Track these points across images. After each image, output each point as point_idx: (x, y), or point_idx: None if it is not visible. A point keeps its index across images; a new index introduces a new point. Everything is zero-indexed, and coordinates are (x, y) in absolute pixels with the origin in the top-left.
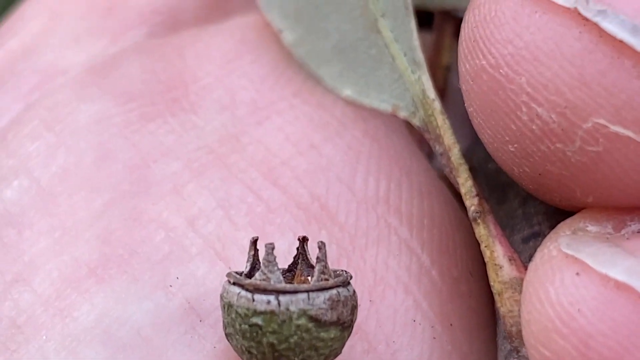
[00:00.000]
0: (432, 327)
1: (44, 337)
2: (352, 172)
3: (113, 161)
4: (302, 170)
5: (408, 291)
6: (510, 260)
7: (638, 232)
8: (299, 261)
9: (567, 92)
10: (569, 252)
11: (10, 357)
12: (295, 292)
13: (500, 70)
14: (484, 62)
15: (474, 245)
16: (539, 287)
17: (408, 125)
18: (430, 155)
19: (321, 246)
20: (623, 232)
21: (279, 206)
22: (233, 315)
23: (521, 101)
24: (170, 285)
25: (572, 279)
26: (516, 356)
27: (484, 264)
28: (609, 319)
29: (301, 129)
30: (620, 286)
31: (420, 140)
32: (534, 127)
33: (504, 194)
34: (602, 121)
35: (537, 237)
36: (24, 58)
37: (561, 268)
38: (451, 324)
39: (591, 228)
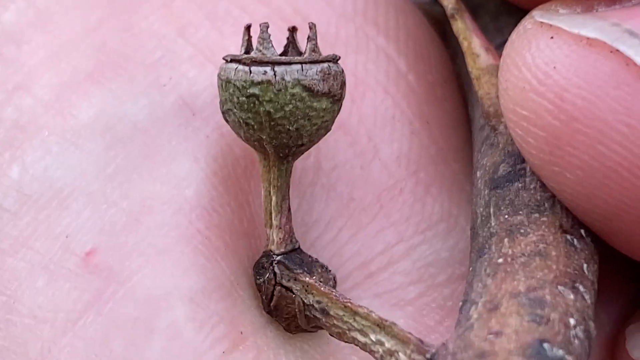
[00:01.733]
0: (410, 124)
1: (46, 133)
2: None
3: None
4: None
5: (387, 92)
6: (486, 50)
7: (605, 11)
8: (289, 49)
9: None
10: (544, 20)
11: (15, 152)
12: (289, 63)
13: None
14: None
15: (446, 58)
16: (516, 56)
17: None
18: None
19: (312, 26)
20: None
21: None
22: (231, 90)
23: None
24: (164, 85)
25: (546, 42)
26: (493, 134)
27: (457, 75)
28: (582, 72)
29: None
30: (592, 42)
31: None
32: None
33: (476, 13)
34: None
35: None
36: None
37: (536, 35)
38: (428, 122)
39: (562, 11)
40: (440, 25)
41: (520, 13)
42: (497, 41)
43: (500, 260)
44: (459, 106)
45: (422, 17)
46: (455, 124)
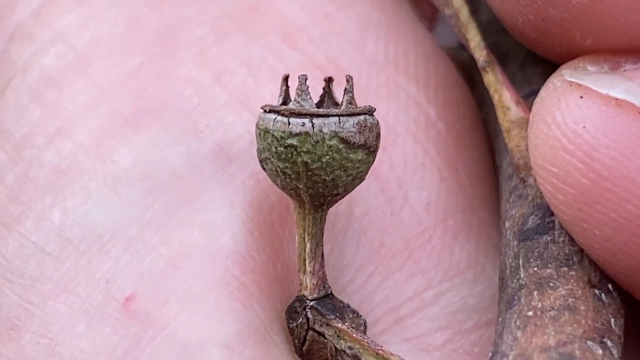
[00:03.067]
0: (439, 171)
1: (87, 178)
2: (362, 38)
3: (142, 28)
4: (317, 36)
5: (417, 140)
6: (516, 103)
7: (632, 70)
8: (325, 99)
9: None
10: (573, 79)
11: (56, 197)
12: (327, 115)
13: None
14: None
15: (474, 106)
16: (546, 113)
17: (412, 0)
18: (431, 29)
19: (349, 79)
20: (619, 71)
21: (297, 65)
22: (269, 140)
23: None
24: (201, 132)
25: (576, 102)
26: (523, 186)
27: (484, 122)
28: (611, 132)
29: (315, 0)
30: (621, 103)
31: (422, 15)
32: None
33: (504, 62)
34: None
35: (536, 94)
36: None
37: (565, 94)
38: (456, 170)
39: (590, 68)
40: (468, 71)
41: (547, 62)
42: (525, 90)
43: (530, 313)
44: (486, 154)
45: (450, 64)
46: (483, 171)
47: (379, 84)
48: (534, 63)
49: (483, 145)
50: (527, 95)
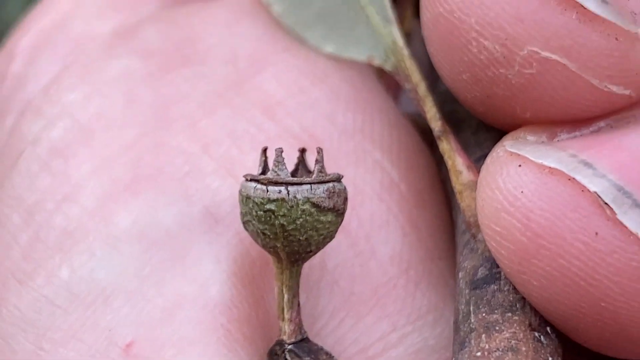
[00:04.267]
0: (402, 227)
1: (91, 239)
2: (334, 109)
3: (140, 104)
4: (294, 108)
5: (382, 200)
6: (468, 167)
7: (566, 139)
8: (299, 167)
9: (507, 26)
10: (513, 150)
11: (64, 256)
12: (300, 183)
13: (454, 15)
14: (440, 10)
15: (434, 168)
16: (490, 180)
17: (378, 74)
18: (395, 98)
19: (319, 151)
20: (555, 140)
21: (276, 135)
22: (250, 205)
23: (471, 37)
24: (192, 196)
25: (515, 170)
26: (474, 241)
27: (442, 181)
28: (545, 197)
29: (292, 77)
30: (553, 171)
31: (387, 87)
32: (481, 57)
33: (459, 128)
34: (535, 48)
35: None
36: (57, 30)
37: (507, 163)
38: (417, 225)
39: (529, 138)
40: (429, 135)
41: (497, 130)
42: (477, 154)
43: (479, 353)
44: (444, 210)
45: (412, 130)
46: (441, 226)
47: (348, 150)
48: (485, 129)
49: (441, 202)
50: (479, 159)
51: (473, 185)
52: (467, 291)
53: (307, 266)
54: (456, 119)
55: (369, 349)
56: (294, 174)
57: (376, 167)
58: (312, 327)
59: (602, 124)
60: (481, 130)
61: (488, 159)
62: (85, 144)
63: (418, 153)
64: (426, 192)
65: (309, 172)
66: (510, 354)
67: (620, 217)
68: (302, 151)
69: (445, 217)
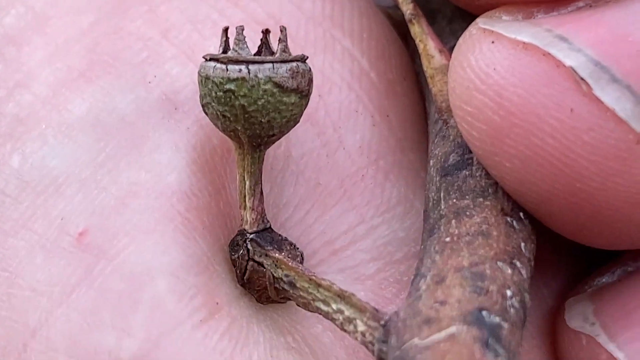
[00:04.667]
0: (372, 117)
1: (44, 126)
2: None
3: None
4: None
5: (351, 88)
6: (440, 51)
7: (542, 18)
8: (263, 50)
9: None
10: (486, 27)
11: (15, 143)
12: (262, 62)
13: None
14: None
15: (406, 57)
16: (462, 58)
17: None
18: None
19: (282, 29)
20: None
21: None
22: (210, 86)
23: None
24: (149, 82)
25: (488, 46)
26: (445, 127)
27: (416, 73)
28: (518, 73)
29: None
30: (527, 46)
31: None
32: None
33: (433, 17)
34: None
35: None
36: None
37: (479, 40)
38: (388, 115)
39: (505, 17)
40: (402, 28)
41: (472, 18)
42: (452, 43)
43: (448, 239)
44: (417, 102)
45: (384, 20)
46: (413, 117)
47: (316, 37)
48: (461, 18)
49: (414, 93)
50: (454, 47)
51: (445, 70)
52: (437, 178)
53: (271, 154)
54: (432, 9)
55: (335, 242)
56: (257, 56)
57: (345, 55)
58: (277, 218)
59: (580, 3)
60: (456, 19)
61: (460, 39)
62: (39, 31)
63: (391, 43)
64: (398, 82)
65: (273, 55)
66: (480, 238)
67: (596, 92)
68: (266, 32)
69: (419, 109)
